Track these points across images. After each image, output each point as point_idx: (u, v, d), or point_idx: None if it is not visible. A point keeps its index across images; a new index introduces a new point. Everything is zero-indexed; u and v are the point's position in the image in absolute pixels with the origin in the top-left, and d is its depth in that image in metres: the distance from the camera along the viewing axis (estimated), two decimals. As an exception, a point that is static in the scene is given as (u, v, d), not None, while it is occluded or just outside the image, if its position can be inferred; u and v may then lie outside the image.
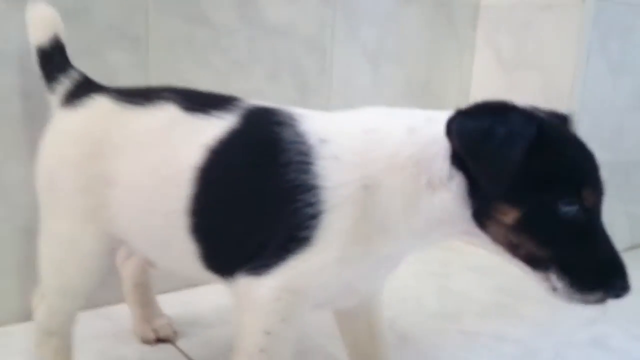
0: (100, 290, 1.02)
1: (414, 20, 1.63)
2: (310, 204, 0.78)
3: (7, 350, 1.07)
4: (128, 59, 1.20)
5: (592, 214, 0.76)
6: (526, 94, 1.64)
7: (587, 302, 0.75)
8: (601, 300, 0.75)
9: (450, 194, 0.77)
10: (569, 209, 0.74)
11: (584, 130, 1.62)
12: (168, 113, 0.88)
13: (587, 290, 0.75)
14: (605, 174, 1.66)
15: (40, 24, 1.01)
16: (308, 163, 0.79)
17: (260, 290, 0.80)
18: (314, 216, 0.77)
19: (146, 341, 1.14)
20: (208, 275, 0.87)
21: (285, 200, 0.78)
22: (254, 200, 0.82)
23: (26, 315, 1.05)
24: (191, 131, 0.86)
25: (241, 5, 1.32)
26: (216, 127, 0.85)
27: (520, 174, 0.73)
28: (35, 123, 1.12)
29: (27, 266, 1.14)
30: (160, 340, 1.15)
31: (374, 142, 0.81)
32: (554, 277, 0.75)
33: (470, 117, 0.76)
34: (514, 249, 0.77)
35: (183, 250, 0.85)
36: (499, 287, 1.50)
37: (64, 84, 0.97)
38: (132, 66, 1.21)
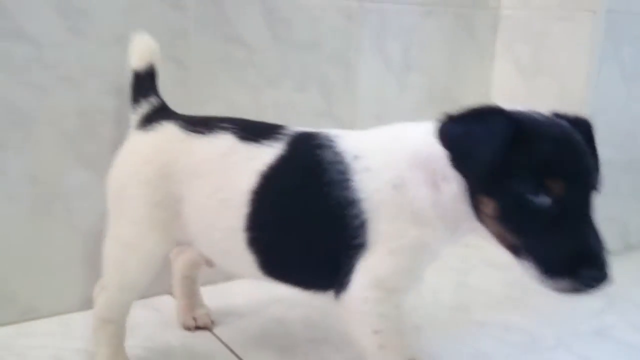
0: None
1: (436, 32, 1.73)
2: (356, 216, 0.90)
3: (70, 335, 1.23)
4: (172, 78, 1.33)
5: (565, 204, 0.81)
6: (543, 99, 1.73)
7: (558, 289, 0.81)
8: (575, 289, 0.81)
9: (453, 189, 0.89)
10: (537, 200, 0.80)
11: (599, 133, 1.75)
12: (226, 142, 1.00)
13: (555, 278, 0.81)
14: (620, 175, 1.75)
15: (141, 52, 1.14)
16: (347, 180, 0.92)
17: (351, 302, 0.92)
18: (362, 224, 0.90)
19: (187, 328, 1.27)
20: (265, 278, 1.01)
21: (335, 216, 0.91)
22: (304, 218, 0.95)
23: (86, 305, 1.20)
24: (245, 159, 0.98)
25: (272, 25, 1.45)
26: (267, 154, 0.98)
27: (498, 169, 0.81)
28: (92, 137, 1.29)
29: (85, 263, 1.31)
30: (199, 327, 1.27)
31: (397, 148, 0.94)
32: (528, 264, 0.83)
33: (455, 121, 0.86)
34: (501, 239, 0.87)
35: (242, 259, 0.99)
36: (510, 281, 1.60)
37: (144, 107, 1.11)
38: (176, 84, 1.34)
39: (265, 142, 0.99)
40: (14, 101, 1.20)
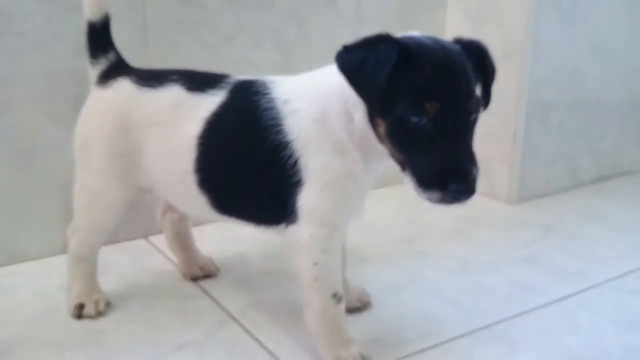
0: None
1: (388, -16, 1.84)
2: (289, 156, 1.01)
3: (51, 274, 1.39)
4: (133, 40, 1.45)
5: (441, 125, 0.88)
6: (491, 45, 1.83)
7: (431, 199, 0.89)
8: (445, 200, 0.89)
9: (361, 115, 0.97)
10: (415, 120, 0.88)
11: (541, 74, 1.86)
12: (175, 93, 1.12)
13: (428, 189, 0.89)
14: (566, 115, 1.87)
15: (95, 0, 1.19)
16: (278, 125, 1.02)
17: (299, 235, 1.02)
18: (295, 163, 1.01)
19: (194, 278, 1.38)
20: (220, 217, 1.14)
21: (273, 158, 1.02)
22: (245, 160, 1.06)
23: (65, 249, 1.35)
24: (192, 108, 1.10)
25: (226, -14, 1.57)
26: (211, 103, 1.09)
27: (387, 92, 0.89)
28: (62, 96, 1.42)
29: (63, 211, 1.45)
30: (206, 276, 1.38)
31: (317, 87, 1.04)
32: (408, 177, 0.92)
33: (349, 50, 0.93)
34: (393, 156, 0.95)
35: (194, 200, 1.12)
36: (461, 217, 1.75)
37: (102, 63, 1.21)
38: (136, 45, 1.47)
39: (210, 91, 1.10)
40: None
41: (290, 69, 1.69)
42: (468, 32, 1.89)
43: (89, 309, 1.21)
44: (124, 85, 1.16)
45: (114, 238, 1.50)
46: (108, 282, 1.33)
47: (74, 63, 1.40)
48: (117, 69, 1.20)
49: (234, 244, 1.55)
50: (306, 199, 1.01)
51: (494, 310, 1.25)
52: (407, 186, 0.93)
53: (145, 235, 1.61)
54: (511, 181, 1.88)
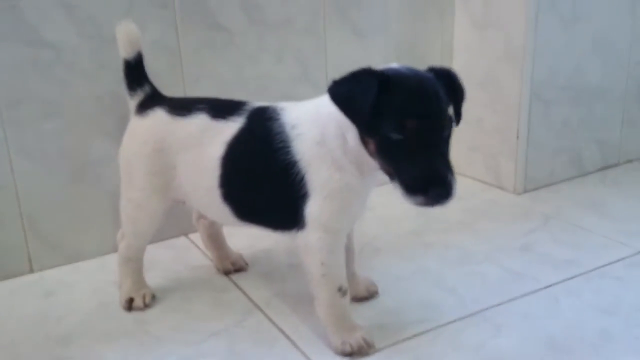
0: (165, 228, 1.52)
1: (398, -4, 2.00)
2: (297, 173, 1.18)
3: (105, 271, 1.62)
4: (166, 63, 1.67)
5: (418, 139, 1.05)
6: (493, 48, 1.99)
7: (417, 203, 1.06)
8: (428, 203, 1.05)
9: (353, 136, 1.14)
10: (397, 137, 1.05)
11: (542, 73, 2.01)
12: (201, 121, 1.30)
13: (413, 194, 1.05)
14: (568, 109, 2.01)
15: (128, 41, 1.37)
16: (287, 147, 1.20)
17: (307, 239, 1.20)
18: (302, 179, 1.18)
19: (227, 272, 1.58)
20: (242, 224, 1.33)
21: (283, 175, 1.19)
22: (261, 177, 1.23)
23: (115, 249, 1.57)
24: (216, 133, 1.28)
25: (247, 11, 1.75)
26: (231, 128, 1.27)
27: (373, 115, 1.05)
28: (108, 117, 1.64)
29: (113, 216, 1.67)
30: (237, 270, 1.59)
31: (318, 113, 1.20)
32: (396, 185, 1.09)
33: (338, 84, 1.10)
34: (382, 169, 1.13)
35: (220, 210, 1.32)
36: (467, 209, 1.92)
37: (140, 95, 1.40)
38: (170, 68, 1.67)
39: (231, 117, 1.29)
40: (45, 95, 1.56)
41: (309, 81, 1.89)
42: (474, 37, 2.06)
43: (137, 302, 1.43)
44: (159, 115, 1.35)
45: (158, 237, 1.71)
46: (154, 278, 1.55)
47: (118, 87, 1.60)
48: (153, 99, 1.39)
49: (261, 241, 1.75)
50: (312, 209, 1.19)
51: (485, 297, 1.42)
52: (396, 193, 1.09)
53: (185, 233, 1.83)
54: (517, 173, 2.03)
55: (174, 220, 1.74)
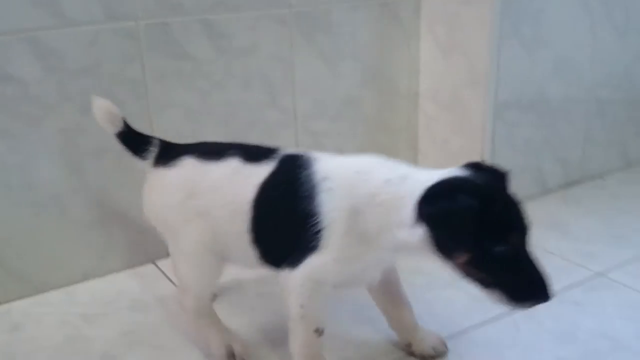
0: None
1: (364, 23, 2.00)
2: (316, 224, 1.15)
3: (73, 302, 1.61)
4: (133, 93, 1.67)
5: (520, 249, 1.07)
6: (459, 73, 2.03)
7: (523, 308, 1.10)
8: (533, 306, 1.09)
9: (411, 235, 1.09)
10: (501, 249, 1.05)
11: (505, 97, 2.04)
12: (234, 165, 1.27)
13: (520, 302, 1.09)
14: (531, 131, 2.05)
15: (108, 118, 1.34)
16: (313, 196, 1.16)
17: (292, 279, 1.17)
18: (319, 232, 1.14)
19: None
20: (266, 268, 1.27)
21: (304, 222, 1.16)
22: (286, 222, 1.20)
23: (85, 277, 1.57)
24: (248, 176, 1.24)
25: (213, 39, 1.76)
26: (263, 171, 1.24)
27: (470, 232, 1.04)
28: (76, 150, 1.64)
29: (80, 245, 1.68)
30: None
31: (360, 182, 1.16)
32: (498, 295, 1.09)
33: (430, 203, 1.07)
34: (471, 277, 1.11)
35: (247, 254, 1.27)
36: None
37: (152, 152, 1.34)
38: (136, 98, 1.68)
39: (262, 162, 1.25)
40: (8, 128, 1.56)
41: (277, 107, 1.91)
42: (439, 62, 2.09)
43: (237, 348, 1.36)
44: (189, 162, 1.31)
45: (124, 264, 1.73)
46: (119, 309, 1.55)
47: (82, 119, 1.61)
48: (169, 149, 1.36)
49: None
50: (315, 262, 1.16)
51: (449, 325, 1.45)
52: (491, 299, 1.10)
53: (152, 260, 1.83)
54: (482, 194, 2.06)
55: (141, 246, 1.75)
